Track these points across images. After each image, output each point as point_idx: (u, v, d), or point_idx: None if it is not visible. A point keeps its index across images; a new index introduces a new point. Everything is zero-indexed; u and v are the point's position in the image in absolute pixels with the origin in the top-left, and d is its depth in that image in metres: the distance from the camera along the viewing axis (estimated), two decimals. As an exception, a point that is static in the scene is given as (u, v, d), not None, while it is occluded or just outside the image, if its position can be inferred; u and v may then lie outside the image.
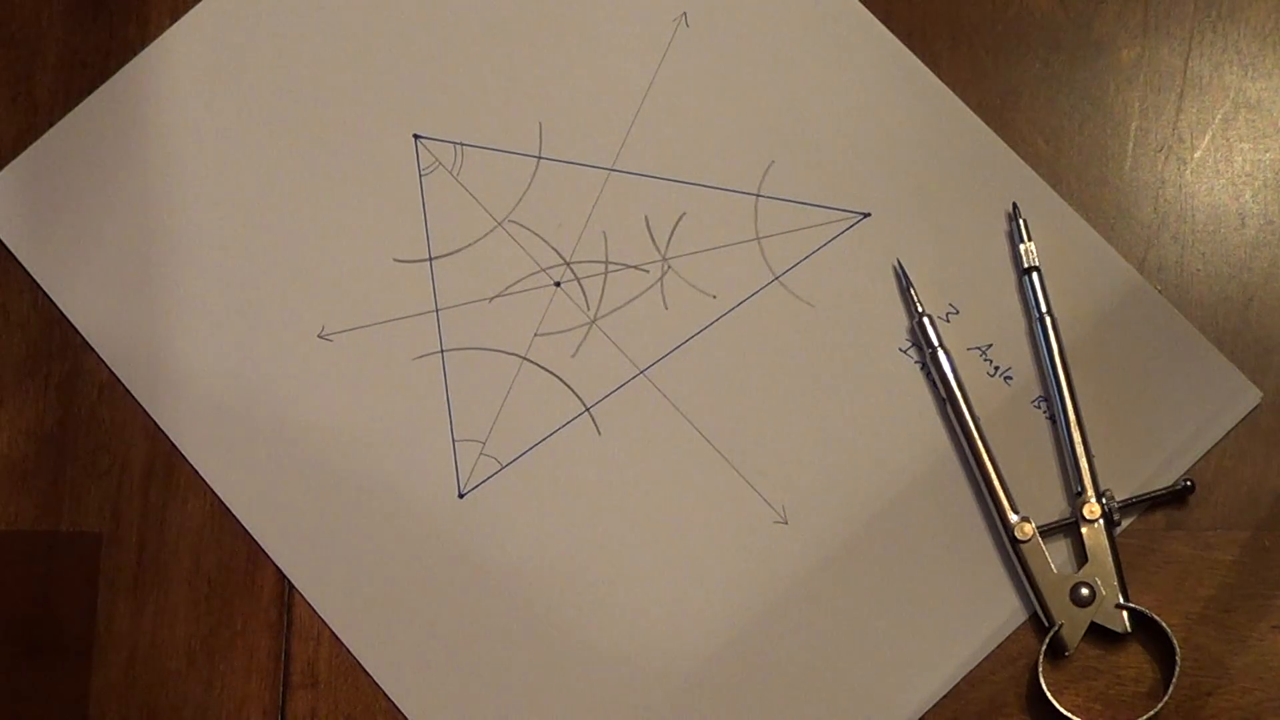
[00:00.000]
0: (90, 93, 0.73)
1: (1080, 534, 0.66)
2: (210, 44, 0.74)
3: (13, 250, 0.72)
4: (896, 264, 0.70)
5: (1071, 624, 0.65)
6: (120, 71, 0.73)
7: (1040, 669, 0.65)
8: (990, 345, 0.69)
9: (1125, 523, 0.67)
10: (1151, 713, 0.65)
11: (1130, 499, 0.67)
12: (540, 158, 0.72)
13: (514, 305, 0.71)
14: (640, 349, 0.70)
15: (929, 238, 0.70)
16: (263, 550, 0.69)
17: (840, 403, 0.69)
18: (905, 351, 0.69)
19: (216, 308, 0.71)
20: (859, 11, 0.72)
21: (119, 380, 0.70)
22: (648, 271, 0.71)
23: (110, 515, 0.69)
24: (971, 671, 0.66)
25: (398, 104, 0.73)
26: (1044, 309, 0.68)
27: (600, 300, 0.70)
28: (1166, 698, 0.65)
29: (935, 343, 0.68)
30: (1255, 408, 0.68)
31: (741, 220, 0.71)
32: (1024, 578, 0.66)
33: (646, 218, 0.71)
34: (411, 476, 0.69)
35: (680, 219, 0.71)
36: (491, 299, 0.71)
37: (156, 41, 0.74)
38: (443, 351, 0.70)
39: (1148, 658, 0.66)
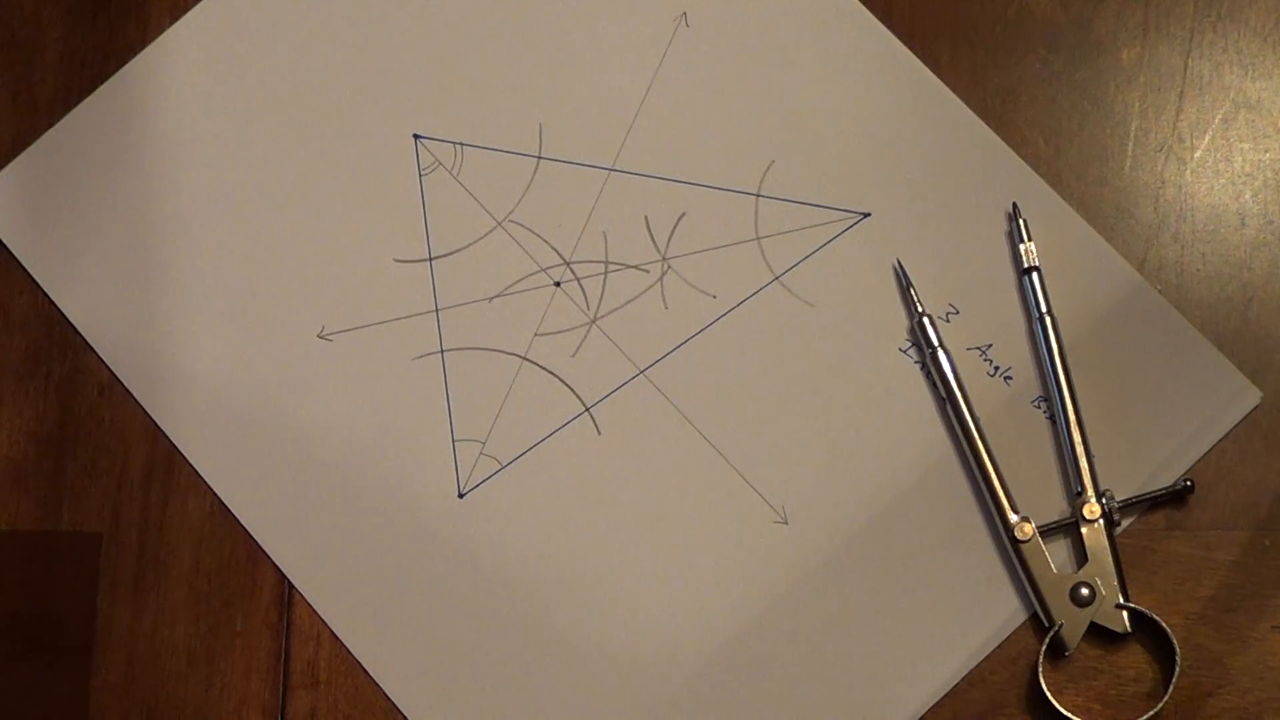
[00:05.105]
0: (90, 93, 0.73)
1: (1080, 534, 0.66)
2: (210, 44, 0.74)
3: (13, 250, 0.72)
4: (896, 264, 0.70)
5: (1071, 624, 0.65)
6: (120, 71, 0.73)
7: (1040, 669, 0.65)
8: (990, 345, 0.69)
9: (1125, 523, 0.67)
10: (1151, 713, 0.65)
11: (1130, 499, 0.67)
12: (540, 158, 0.72)
13: (514, 305, 0.71)
14: (640, 349, 0.70)
15: (929, 238, 0.70)
16: (263, 550, 0.69)
17: (840, 402, 0.69)
18: (905, 351, 0.69)
19: (216, 308, 0.71)
20: (859, 11, 0.72)
21: (119, 380, 0.70)
22: (648, 271, 0.71)
23: (110, 515, 0.69)
24: (971, 671, 0.66)
25: (398, 104, 0.73)
26: (1044, 309, 0.68)
27: (600, 300, 0.70)
28: (1166, 698, 0.65)
29: (935, 343, 0.68)
30: (1255, 408, 0.68)
31: (741, 220, 0.71)
32: (1024, 578, 0.66)
33: (646, 218, 0.71)
34: (411, 476, 0.69)
35: (680, 219, 0.71)
36: (491, 299, 0.71)
37: (156, 41, 0.74)
38: (443, 351, 0.70)
39: (1148, 658, 0.66)
